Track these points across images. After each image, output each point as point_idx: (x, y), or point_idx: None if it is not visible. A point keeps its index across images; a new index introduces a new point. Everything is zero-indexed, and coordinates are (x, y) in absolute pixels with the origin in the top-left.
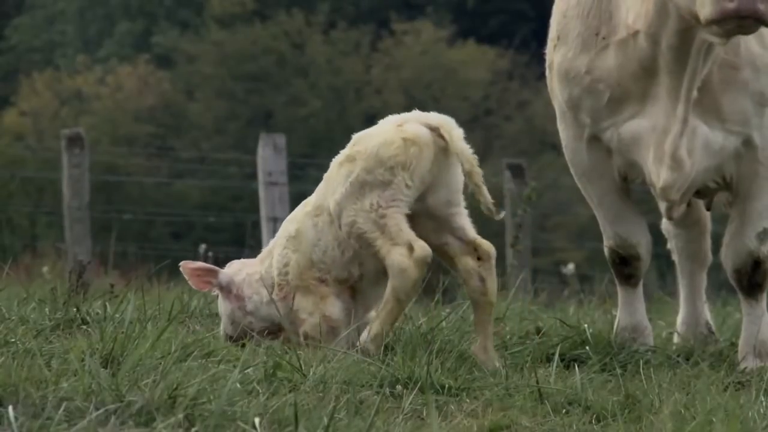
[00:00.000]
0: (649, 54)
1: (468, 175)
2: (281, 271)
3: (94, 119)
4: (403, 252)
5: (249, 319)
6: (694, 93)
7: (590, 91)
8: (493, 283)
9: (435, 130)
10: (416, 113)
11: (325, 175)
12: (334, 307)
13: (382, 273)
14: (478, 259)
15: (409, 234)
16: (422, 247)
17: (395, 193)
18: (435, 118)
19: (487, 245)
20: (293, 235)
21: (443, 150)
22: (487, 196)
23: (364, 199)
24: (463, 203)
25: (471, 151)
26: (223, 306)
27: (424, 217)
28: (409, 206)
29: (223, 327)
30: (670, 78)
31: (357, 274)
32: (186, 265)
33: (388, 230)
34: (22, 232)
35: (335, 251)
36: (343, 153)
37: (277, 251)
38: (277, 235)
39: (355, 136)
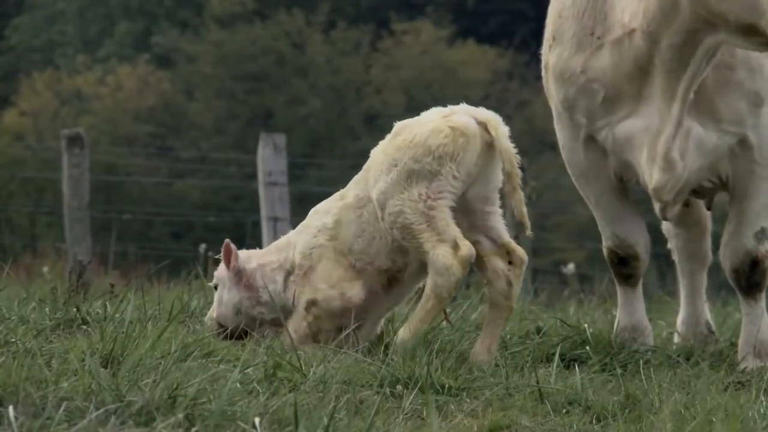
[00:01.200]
0: (644, 53)
1: (507, 175)
2: (306, 254)
3: (94, 119)
4: (449, 250)
5: (260, 310)
6: (691, 95)
7: (585, 91)
8: (518, 288)
9: (482, 124)
10: (464, 106)
11: (366, 166)
12: (357, 291)
13: (425, 265)
14: (509, 263)
15: (455, 231)
16: (467, 246)
17: (443, 185)
18: (483, 112)
19: (521, 252)
20: (330, 226)
21: (488, 145)
22: (521, 201)
23: (411, 189)
24: (498, 204)
25: (515, 151)
26: (227, 295)
27: (460, 213)
28: (455, 199)
29: (222, 317)
30: (667, 78)
31: (401, 264)
32: (229, 245)
33: (436, 224)
34: (22, 232)
35: (382, 240)
36: (386, 142)
37: (303, 239)
38: (303, 225)
39: (398, 125)
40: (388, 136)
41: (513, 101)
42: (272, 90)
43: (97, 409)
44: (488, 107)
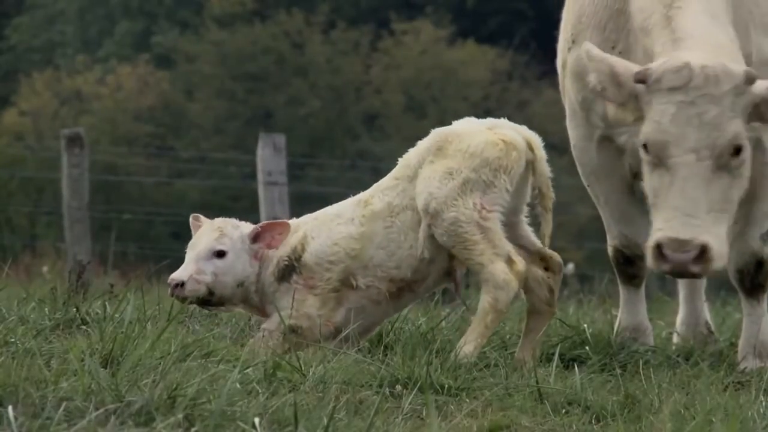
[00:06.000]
0: None
1: (542, 197)
2: (323, 264)
3: (94, 119)
4: (505, 266)
5: (255, 288)
6: None
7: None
8: (557, 293)
9: (527, 142)
10: (505, 121)
11: (395, 173)
12: (341, 316)
13: (443, 277)
14: (546, 269)
15: (508, 246)
16: (521, 262)
17: (497, 198)
18: (526, 131)
19: (557, 257)
20: (356, 237)
21: (528, 162)
22: (549, 224)
23: (466, 198)
24: (524, 213)
25: (550, 174)
26: (241, 266)
27: None
28: (505, 214)
29: (220, 284)
30: None
31: (421, 275)
32: (289, 227)
33: (490, 236)
34: (21, 232)
35: (410, 251)
36: (428, 150)
37: (322, 239)
38: (321, 222)
39: (439, 133)
40: (425, 144)
41: (513, 101)
42: (272, 90)
43: (97, 409)
44: (488, 107)
